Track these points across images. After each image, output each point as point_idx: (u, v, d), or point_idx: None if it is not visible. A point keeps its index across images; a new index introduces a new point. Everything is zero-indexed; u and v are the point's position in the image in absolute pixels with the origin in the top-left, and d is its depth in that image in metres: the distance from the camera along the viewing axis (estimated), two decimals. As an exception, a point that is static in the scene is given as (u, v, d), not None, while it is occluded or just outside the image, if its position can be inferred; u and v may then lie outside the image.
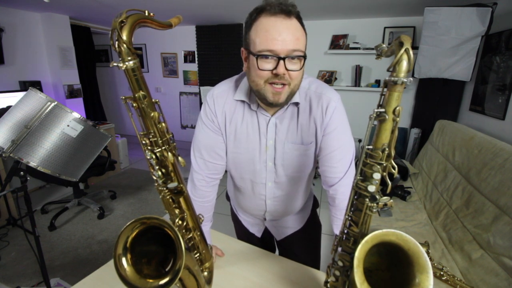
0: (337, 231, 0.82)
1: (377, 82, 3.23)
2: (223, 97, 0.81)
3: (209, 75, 4.01)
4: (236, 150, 0.85)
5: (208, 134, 0.83)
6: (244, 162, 0.86)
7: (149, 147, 0.56)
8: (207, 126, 0.83)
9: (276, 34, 0.62)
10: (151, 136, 0.55)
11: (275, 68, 0.64)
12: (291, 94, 0.71)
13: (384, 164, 0.47)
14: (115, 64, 0.48)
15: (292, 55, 0.64)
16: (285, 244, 1.08)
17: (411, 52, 0.42)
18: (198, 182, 0.87)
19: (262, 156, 0.84)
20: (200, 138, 0.84)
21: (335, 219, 0.83)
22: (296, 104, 0.78)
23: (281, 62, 0.63)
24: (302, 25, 0.67)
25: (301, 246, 1.07)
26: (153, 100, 0.54)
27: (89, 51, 3.83)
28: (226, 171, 0.93)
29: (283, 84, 0.67)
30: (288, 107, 0.78)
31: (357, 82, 3.29)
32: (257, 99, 0.76)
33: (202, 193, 0.88)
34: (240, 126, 0.81)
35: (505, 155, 1.49)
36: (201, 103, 4.03)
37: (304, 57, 0.66)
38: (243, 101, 0.79)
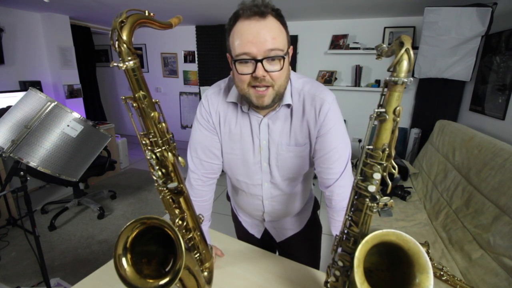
0: (334, 232, 0.82)
1: (377, 82, 3.23)
2: (216, 97, 0.81)
3: (209, 75, 4.01)
4: (231, 151, 0.85)
5: (204, 134, 0.83)
6: (239, 163, 0.86)
7: (149, 147, 0.56)
8: (202, 126, 0.83)
9: (250, 36, 0.61)
10: (151, 136, 0.55)
11: (254, 71, 0.64)
12: (277, 96, 0.70)
13: (384, 164, 0.47)
14: (115, 64, 0.48)
15: (270, 56, 0.63)
16: (285, 246, 1.08)
17: (411, 52, 0.42)
18: (194, 181, 0.87)
19: (256, 157, 0.83)
20: (196, 137, 0.85)
21: (332, 221, 0.83)
22: (288, 106, 0.77)
23: (259, 64, 0.63)
24: (281, 23, 0.66)
25: (301, 248, 1.07)
26: (153, 100, 0.54)
27: (89, 51, 3.83)
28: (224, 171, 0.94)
29: (267, 87, 0.66)
30: (281, 108, 0.77)
31: (357, 82, 3.29)
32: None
33: (199, 193, 0.89)
34: (234, 127, 0.82)
35: (505, 155, 1.49)
36: (201, 103, 4.03)
37: (284, 57, 0.65)
38: (235, 103, 0.79)
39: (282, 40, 0.65)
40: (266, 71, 0.64)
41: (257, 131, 0.80)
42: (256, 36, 0.61)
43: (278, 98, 0.71)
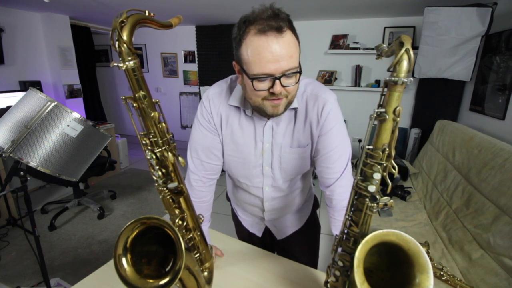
0: (334, 231, 0.82)
1: (377, 82, 3.23)
2: (218, 99, 0.80)
3: (209, 75, 4.01)
4: (232, 153, 0.84)
5: (205, 134, 0.83)
6: (239, 165, 0.86)
7: (149, 147, 0.56)
8: (203, 127, 0.82)
9: (269, 55, 0.60)
10: (151, 136, 0.55)
11: (271, 87, 0.63)
12: (289, 104, 0.71)
13: (384, 164, 0.47)
14: (115, 64, 0.48)
15: (288, 73, 0.63)
16: (284, 245, 1.08)
17: (411, 52, 0.42)
18: (194, 182, 0.87)
19: (258, 161, 0.83)
20: (196, 138, 0.84)
21: (332, 220, 0.83)
22: (294, 108, 0.77)
23: (277, 81, 0.62)
24: (294, 32, 0.64)
25: (300, 247, 1.07)
26: (153, 100, 0.54)
27: (89, 51, 3.83)
28: (224, 171, 0.94)
29: (281, 99, 0.67)
30: (286, 111, 0.77)
31: (357, 82, 3.29)
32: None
33: (199, 193, 0.88)
34: (237, 130, 0.81)
35: (505, 155, 1.49)
36: (201, 103, 4.04)
37: (300, 72, 0.65)
38: (237, 107, 0.79)
39: (297, 55, 0.64)
40: (282, 86, 0.64)
41: (260, 135, 0.80)
42: (275, 55, 0.60)
43: (289, 105, 0.72)
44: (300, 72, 0.66)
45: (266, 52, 0.60)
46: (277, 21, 0.59)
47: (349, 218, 0.55)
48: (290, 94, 0.68)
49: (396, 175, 0.48)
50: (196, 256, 0.70)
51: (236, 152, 0.84)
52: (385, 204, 0.49)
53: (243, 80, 0.68)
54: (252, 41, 0.61)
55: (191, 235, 0.66)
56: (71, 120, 1.11)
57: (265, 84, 0.64)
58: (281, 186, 0.88)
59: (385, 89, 0.46)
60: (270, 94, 0.65)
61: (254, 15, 0.61)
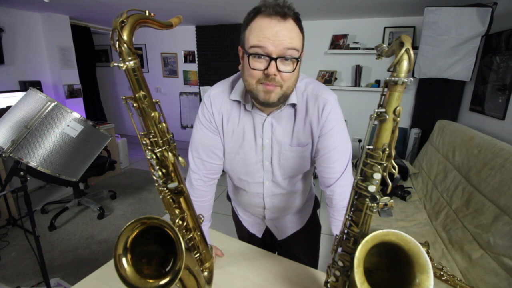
0: (335, 231, 0.82)
1: (377, 82, 3.23)
2: (219, 98, 0.81)
3: (209, 75, 4.01)
4: (233, 150, 0.85)
5: (206, 134, 0.83)
6: (241, 162, 0.86)
7: (149, 147, 0.56)
8: (204, 126, 0.83)
9: (269, 33, 0.62)
10: (151, 136, 0.55)
11: (267, 68, 0.64)
12: (284, 96, 0.70)
13: (385, 164, 0.47)
14: (115, 64, 0.48)
15: (285, 55, 0.63)
16: (285, 245, 1.08)
17: (411, 52, 0.42)
18: (195, 182, 0.87)
19: (258, 156, 0.84)
20: (197, 138, 0.85)
21: (332, 220, 0.83)
22: (293, 105, 0.77)
23: (272, 62, 0.63)
24: (300, 27, 0.66)
25: (301, 248, 1.07)
26: (153, 100, 0.54)
27: (89, 51, 3.83)
28: (225, 171, 0.94)
29: (275, 86, 0.67)
30: (285, 107, 0.77)
31: (357, 82, 3.29)
32: (251, 99, 0.76)
33: (200, 193, 0.89)
34: (237, 126, 0.82)
35: (505, 155, 1.49)
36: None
37: (298, 59, 0.66)
38: (238, 102, 0.79)
39: (298, 42, 0.65)
40: (278, 70, 0.64)
41: (260, 130, 0.80)
42: (275, 35, 0.62)
43: (284, 98, 0.71)
44: (298, 61, 0.66)
45: (266, 30, 0.62)
46: (282, 8, 0.62)
47: (349, 218, 0.55)
48: (285, 84, 0.67)
49: (396, 175, 0.48)
50: (196, 256, 0.70)
51: (238, 149, 0.84)
52: (385, 204, 0.49)
53: (243, 62, 0.69)
54: (257, 22, 0.64)
55: (191, 235, 0.66)
56: (71, 120, 1.11)
57: (261, 64, 0.65)
58: (281, 183, 0.88)
59: (385, 89, 0.46)
60: (265, 77, 0.65)
61: (263, 3, 0.64)
